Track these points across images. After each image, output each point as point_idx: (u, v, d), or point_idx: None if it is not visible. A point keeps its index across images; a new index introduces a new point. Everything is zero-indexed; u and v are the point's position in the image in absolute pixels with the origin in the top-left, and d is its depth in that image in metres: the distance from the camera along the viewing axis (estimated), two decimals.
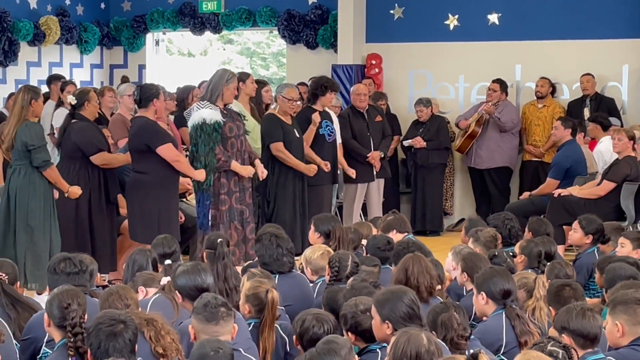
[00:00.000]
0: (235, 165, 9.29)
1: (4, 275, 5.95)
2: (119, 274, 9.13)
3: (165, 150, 8.92)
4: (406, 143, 13.34)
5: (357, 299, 5.23)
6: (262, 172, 9.69)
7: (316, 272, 7.08)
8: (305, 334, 5.21)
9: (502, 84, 13.27)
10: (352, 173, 11.43)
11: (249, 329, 5.57)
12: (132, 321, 4.56)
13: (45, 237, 8.63)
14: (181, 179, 9.36)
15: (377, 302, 5.17)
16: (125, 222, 9.39)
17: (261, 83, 12.07)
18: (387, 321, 5.08)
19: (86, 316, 5.00)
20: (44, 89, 12.33)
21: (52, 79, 13.02)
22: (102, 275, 9.19)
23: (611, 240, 8.25)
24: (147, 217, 8.95)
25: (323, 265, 6.91)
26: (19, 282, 6.28)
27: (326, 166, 10.76)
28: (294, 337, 5.30)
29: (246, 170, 9.35)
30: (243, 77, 10.75)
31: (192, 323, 5.07)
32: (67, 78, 13.35)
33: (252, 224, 9.48)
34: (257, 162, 9.65)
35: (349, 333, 5.18)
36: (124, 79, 14.92)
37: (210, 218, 9.31)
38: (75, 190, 8.83)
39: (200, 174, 9.06)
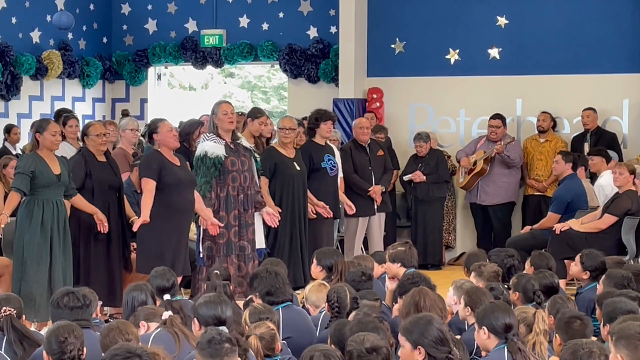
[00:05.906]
0: (209, 214, 9.20)
1: (12, 310, 5.91)
2: (120, 308, 9.09)
3: (142, 182, 8.98)
4: (406, 178, 13.34)
5: (365, 335, 5.18)
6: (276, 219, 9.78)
7: (317, 308, 7.07)
8: None
9: (502, 119, 13.29)
10: (349, 208, 11.25)
11: None
12: (147, 356, 4.54)
13: (41, 269, 8.51)
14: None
15: (405, 331, 5.17)
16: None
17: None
18: (419, 347, 5.09)
19: (85, 350, 5.00)
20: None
21: (60, 113, 12.85)
22: (104, 308, 9.15)
23: None
24: (151, 249, 8.92)
25: (322, 303, 6.90)
26: (24, 316, 6.25)
27: (325, 209, 10.75)
28: None
29: (209, 221, 9.16)
30: (252, 114, 10.79)
31: (197, 358, 5.06)
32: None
33: (256, 260, 9.40)
34: (264, 211, 9.63)
35: None
36: (125, 112, 14.94)
37: (203, 249, 9.30)
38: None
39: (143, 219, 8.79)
